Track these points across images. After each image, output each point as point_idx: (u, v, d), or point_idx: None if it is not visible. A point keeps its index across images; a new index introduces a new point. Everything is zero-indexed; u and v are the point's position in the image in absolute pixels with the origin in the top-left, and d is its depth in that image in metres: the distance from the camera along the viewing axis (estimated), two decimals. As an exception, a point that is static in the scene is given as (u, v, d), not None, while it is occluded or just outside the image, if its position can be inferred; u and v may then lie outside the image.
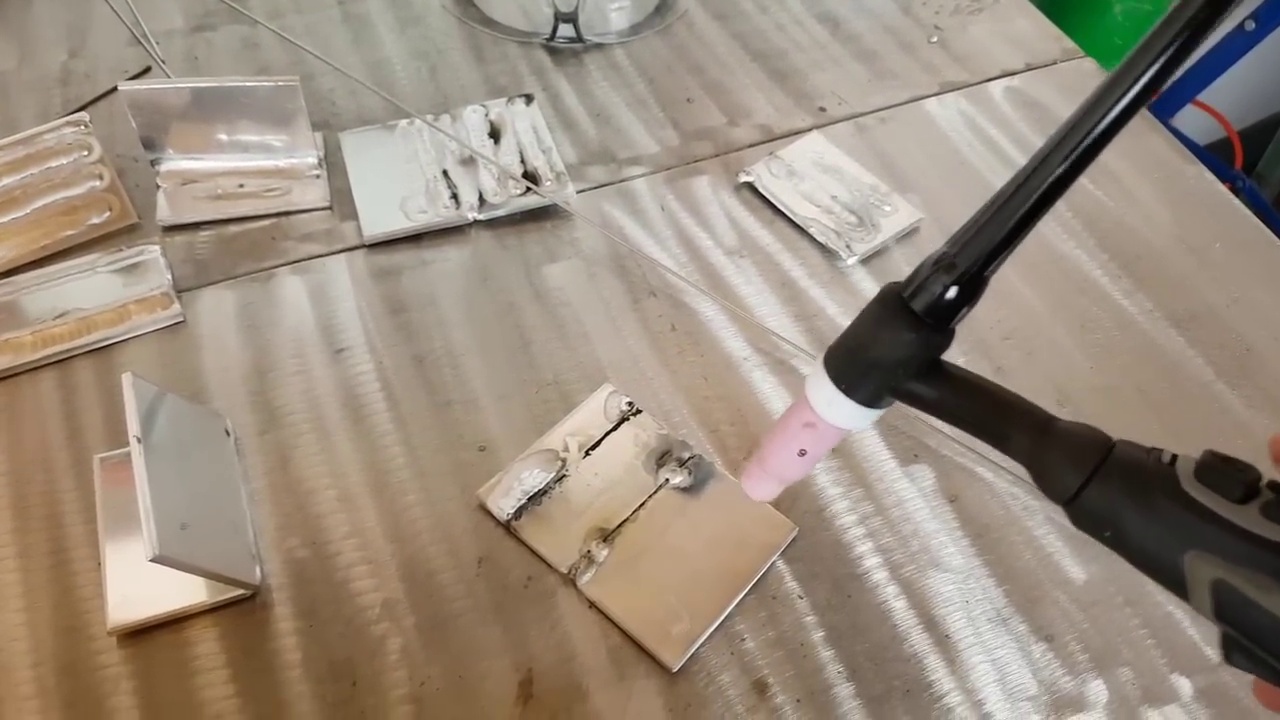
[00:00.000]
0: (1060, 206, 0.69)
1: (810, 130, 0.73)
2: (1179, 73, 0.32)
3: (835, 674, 0.48)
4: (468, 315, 0.61)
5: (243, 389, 0.57)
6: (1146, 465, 0.29)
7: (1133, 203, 0.70)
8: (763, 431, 0.56)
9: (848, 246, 0.65)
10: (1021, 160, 0.72)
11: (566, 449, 0.54)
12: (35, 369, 0.57)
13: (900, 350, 0.33)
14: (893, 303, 0.33)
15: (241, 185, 0.66)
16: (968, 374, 0.34)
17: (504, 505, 0.52)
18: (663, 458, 0.54)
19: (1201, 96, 1.41)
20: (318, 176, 0.67)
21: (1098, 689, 0.48)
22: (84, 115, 0.63)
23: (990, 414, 0.33)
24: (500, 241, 0.65)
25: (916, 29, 0.82)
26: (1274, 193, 1.62)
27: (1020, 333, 0.62)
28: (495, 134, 0.70)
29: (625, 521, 0.52)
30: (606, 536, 0.51)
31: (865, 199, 0.68)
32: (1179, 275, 0.66)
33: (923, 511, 0.54)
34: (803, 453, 0.37)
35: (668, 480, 0.53)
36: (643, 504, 0.52)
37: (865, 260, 0.65)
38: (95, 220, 0.62)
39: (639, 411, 0.56)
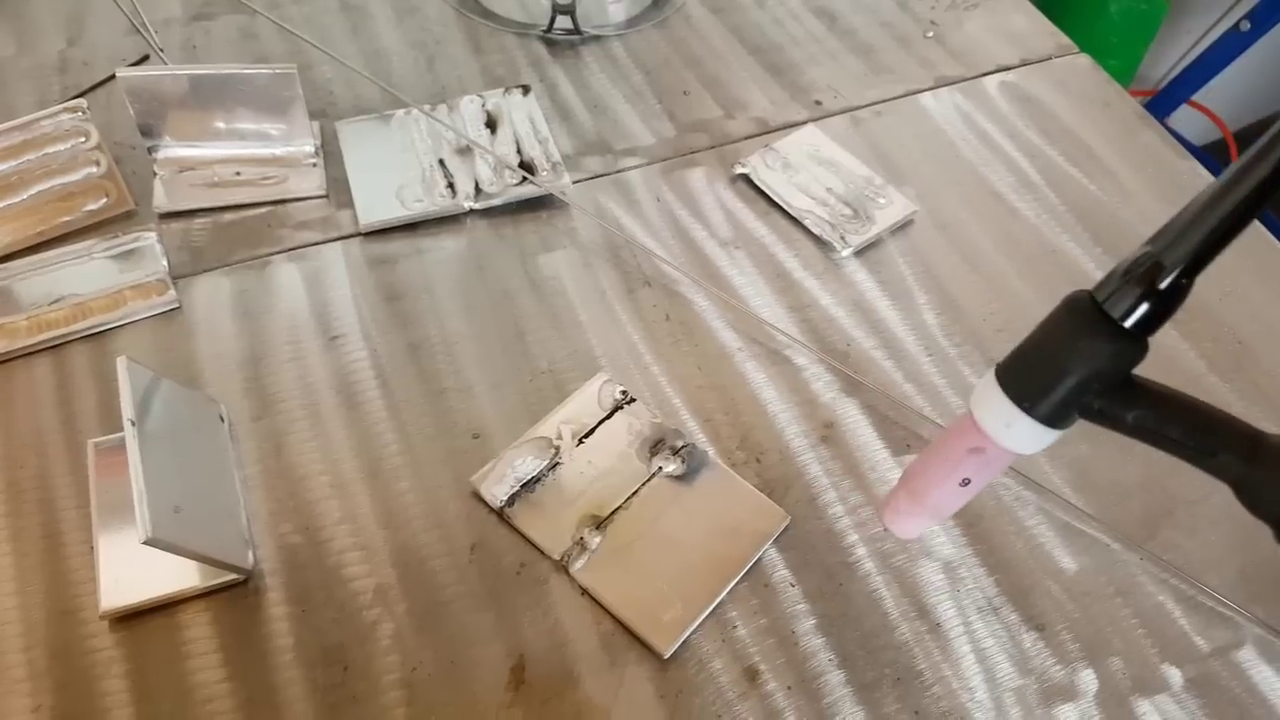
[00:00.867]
0: (1054, 199, 0.70)
1: (806, 123, 0.73)
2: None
3: (826, 662, 0.48)
4: (463, 304, 0.61)
5: (237, 375, 0.57)
6: None
7: (1126, 197, 0.70)
8: (756, 422, 0.56)
9: (842, 238, 0.65)
10: (1015, 154, 0.74)
11: (560, 437, 0.54)
12: (30, 354, 0.57)
13: (1096, 362, 0.30)
14: (1086, 310, 0.30)
15: (238, 173, 0.66)
16: (1164, 388, 0.32)
17: (497, 492, 0.52)
18: (656, 446, 0.54)
19: (1197, 97, 1.41)
20: (314, 165, 0.67)
21: (1088, 678, 0.49)
22: (82, 102, 0.63)
23: (1195, 433, 0.31)
24: (496, 231, 0.65)
25: (912, 24, 0.82)
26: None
27: (1013, 325, 0.62)
28: (492, 124, 0.70)
29: (618, 509, 0.52)
30: (599, 524, 0.51)
31: (860, 191, 0.68)
32: (1172, 270, 0.66)
33: (915, 501, 0.54)
34: (965, 482, 0.34)
35: (660, 468, 0.53)
36: (635, 492, 0.53)
37: (859, 252, 0.65)
38: (92, 206, 0.63)
39: (633, 400, 0.56)
